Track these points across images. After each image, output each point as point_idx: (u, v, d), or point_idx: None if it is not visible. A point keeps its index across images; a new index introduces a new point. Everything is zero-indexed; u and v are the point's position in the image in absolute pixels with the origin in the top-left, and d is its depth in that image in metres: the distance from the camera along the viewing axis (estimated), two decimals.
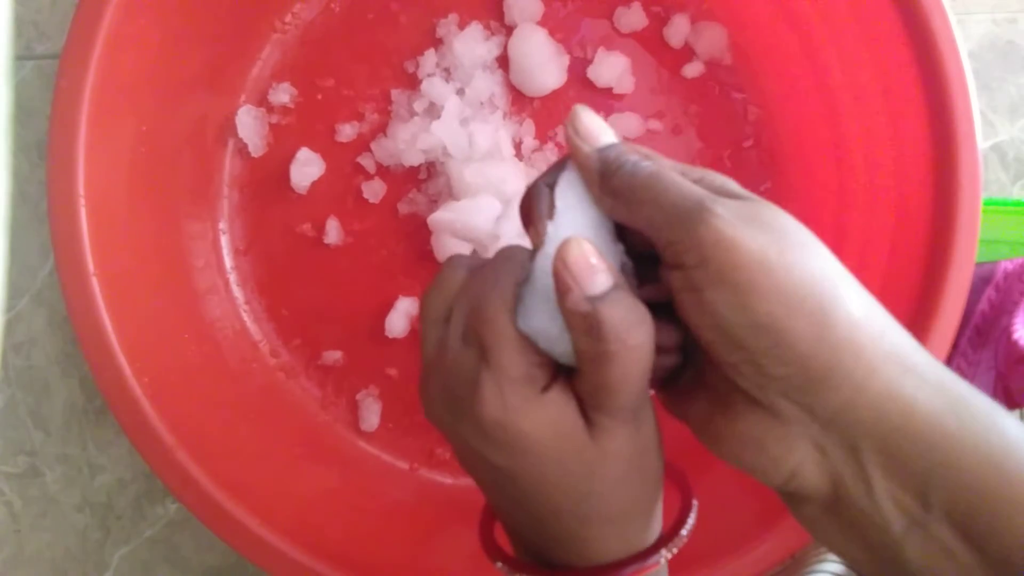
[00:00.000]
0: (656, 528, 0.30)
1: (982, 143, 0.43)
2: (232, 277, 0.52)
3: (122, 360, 0.41)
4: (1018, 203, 0.52)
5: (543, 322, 0.26)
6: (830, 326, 0.24)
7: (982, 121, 0.54)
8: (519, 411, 0.25)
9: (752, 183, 0.51)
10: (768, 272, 0.24)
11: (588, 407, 0.26)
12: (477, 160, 0.50)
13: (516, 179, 0.49)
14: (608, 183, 0.27)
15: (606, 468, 0.27)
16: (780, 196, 0.51)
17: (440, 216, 0.48)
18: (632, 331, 0.25)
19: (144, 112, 0.45)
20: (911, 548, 0.25)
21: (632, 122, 0.51)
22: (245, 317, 0.52)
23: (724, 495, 0.46)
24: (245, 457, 0.45)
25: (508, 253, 0.28)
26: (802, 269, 0.24)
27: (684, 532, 0.30)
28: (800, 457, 0.26)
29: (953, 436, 0.24)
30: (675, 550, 0.29)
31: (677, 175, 0.26)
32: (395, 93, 0.52)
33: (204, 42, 0.48)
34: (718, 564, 0.40)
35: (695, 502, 0.31)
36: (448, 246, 0.49)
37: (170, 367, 0.44)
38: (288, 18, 0.52)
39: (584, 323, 0.25)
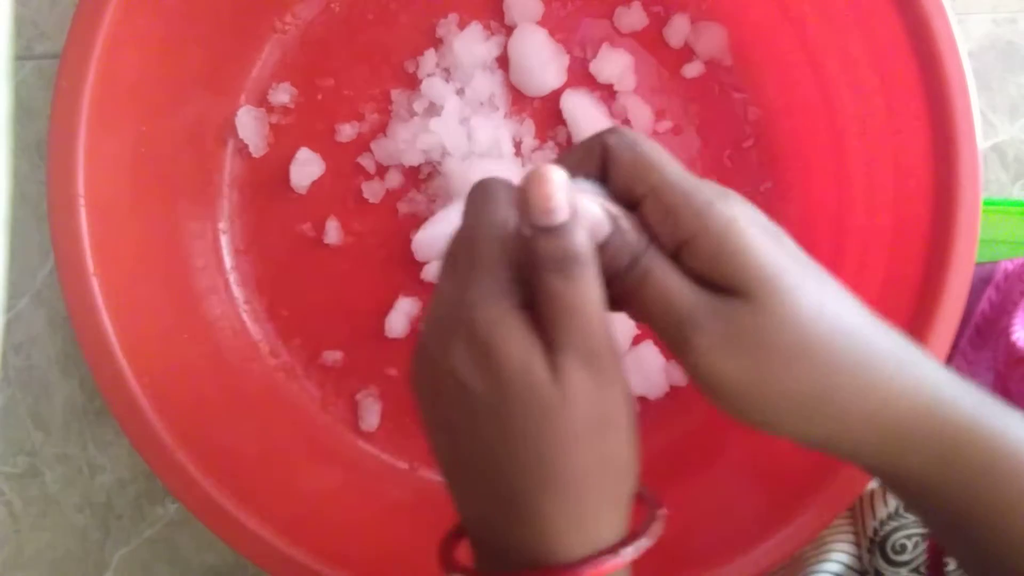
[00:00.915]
0: (619, 532, 0.28)
1: (982, 143, 0.43)
2: (232, 277, 0.52)
3: (122, 360, 0.41)
4: (1018, 203, 0.52)
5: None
6: (816, 425, 0.27)
7: (982, 121, 0.54)
8: (498, 321, 0.26)
9: (752, 183, 0.51)
10: (750, 397, 0.26)
11: (548, 349, 0.26)
12: (477, 158, 0.50)
13: (515, 178, 0.49)
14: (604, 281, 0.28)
15: (564, 416, 0.26)
16: (780, 196, 0.51)
17: (421, 238, 0.48)
18: (571, 267, 0.25)
19: (144, 112, 0.45)
20: None
21: (633, 121, 0.51)
22: (245, 317, 0.52)
23: (724, 495, 0.46)
24: (245, 457, 0.45)
25: (493, 185, 0.28)
26: (779, 386, 0.26)
27: (648, 537, 0.28)
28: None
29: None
30: (636, 552, 0.28)
31: (666, 277, 0.27)
32: (395, 93, 0.52)
33: (204, 42, 0.48)
34: (718, 564, 0.40)
35: (662, 511, 0.29)
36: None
37: (170, 367, 0.44)
38: (288, 18, 0.52)
39: (531, 249, 0.26)
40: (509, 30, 0.51)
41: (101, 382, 0.41)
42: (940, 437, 0.27)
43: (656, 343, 0.50)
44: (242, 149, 0.52)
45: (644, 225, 0.27)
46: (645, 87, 0.52)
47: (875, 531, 0.40)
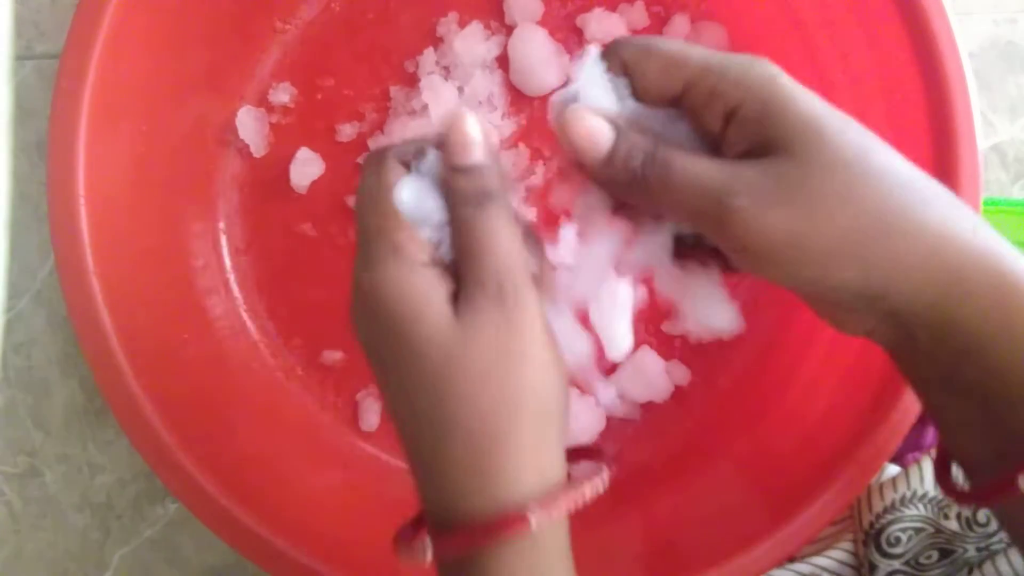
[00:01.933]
0: (547, 481, 0.27)
1: (982, 143, 0.43)
2: (232, 277, 0.52)
3: (122, 360, 0.41)
4: (1018, 203, 0.52)
5: (418, 202, 0.27)
6: (872, 267, 0.26)
7: (982, 121, 0.54)
8: (383, 275, 0.26)
9: None
10: (803, 247, 0.26)
11: (455, 294, 0.27)
12: None
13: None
14: (624, 191, 0.29)
15: (466, 355, 0.26)
16: None
17: None
18: (483, 201, 0.27)
19: (144, 112, 0.45)
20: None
21: None
22: (245, 317, 0.52)
23: (724, 495, 0.46)
24: (245, 457, 0.45)
25: (401, 144, 0.29)
26: (832, 229, 0.26)
27: (583, 490, 0.27)
28: (871, 327, 0.28)
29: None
30: (558, 510, 0.26)
31: (689, 163, 0.27)
32: (394, 91, 0.52)
33: (204, 42, 0.48)
34: (718, 564, 0.40)
35: (606, 466, 0.29)
36: None
37: (170, 367, 0.44)
38: (288, 18, 0.52)
39: (449, 189, 0.27)
40: (509, 29, 0.51)
41: (101, 382, 0.41)
42: (1000, 282, 0.26)
43: (655, 348, 0.50)
44: (242, 149, 0.52)
45: (690, 115, 0.28)
46: None
47: (871, 524, 0.41)
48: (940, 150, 0.40)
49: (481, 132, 0.28)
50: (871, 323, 0.28)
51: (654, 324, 0.51)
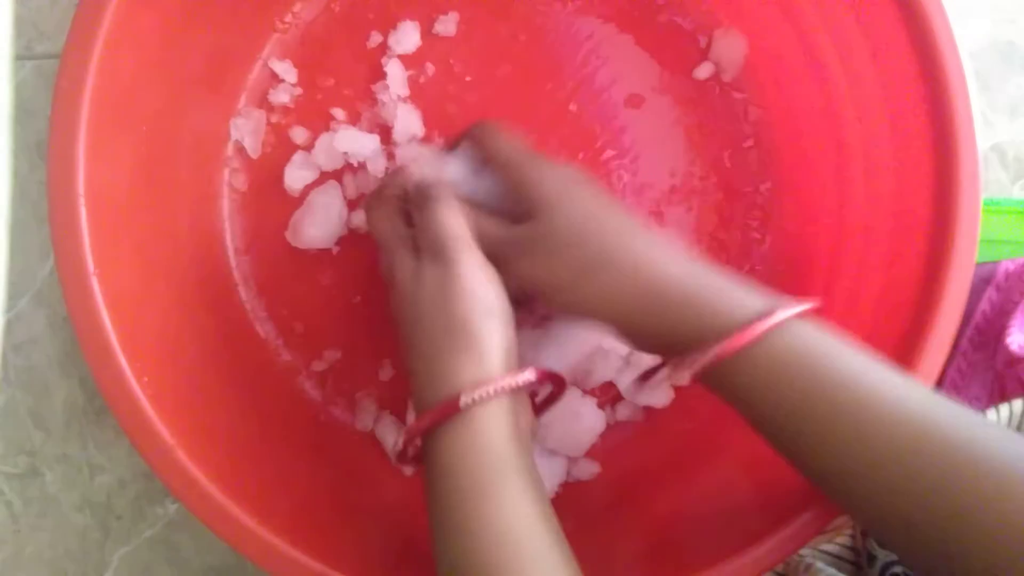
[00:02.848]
0: (476, 375, 0.35)
1: (982, 143, 0.43)
2: (232, 277, 0.52)
3: (122, 360, 0.41)
4: (1018, 203, 0.52)
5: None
6: (598, 292, 0.38)
7: (982, 121, 0.54)
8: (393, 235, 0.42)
9: (752, 183, 0.51)
10: (552, 282, 0.39)
11: (417, 257, 0.40)
12: None
13: None
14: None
15: (418, 296, 0.38)
16: (780, 196, 0.51)
17: None
18: (425, 203, 0.40)
19: (144, 112, 0.45)
20: None
21: (630, 124, 0.51)
22: (245, 317, 0.52)
23: (724, 495, 0.46)
24: (245, 457, 0.45)
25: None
26: (568, 266, 0.39)
27: (511, 377, 0.35)
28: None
29: None
30: (491, 388, 0.35)
31: (484, 224, 0.41)
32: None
33: (204, 42, 0.48)
34: (718, 564, 0.40)
35: (543, 379, 0.38)
36: None
37: (170, 367, 0.44)
38: (288, 18, 0.52)
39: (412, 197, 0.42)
40: (511, 28, 0.51)
41: (101, 382, 0.41)
42: (694, 297, 0.36)
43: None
44: (242, 149, 0.52)
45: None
46: (645, 86, 0.52)
47: None
48: (940, 150, 0.40)
49: (428, 165, 0.44)
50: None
51: None
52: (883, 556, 0.40)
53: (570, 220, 0.38)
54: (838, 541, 0.42)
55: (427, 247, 0.39)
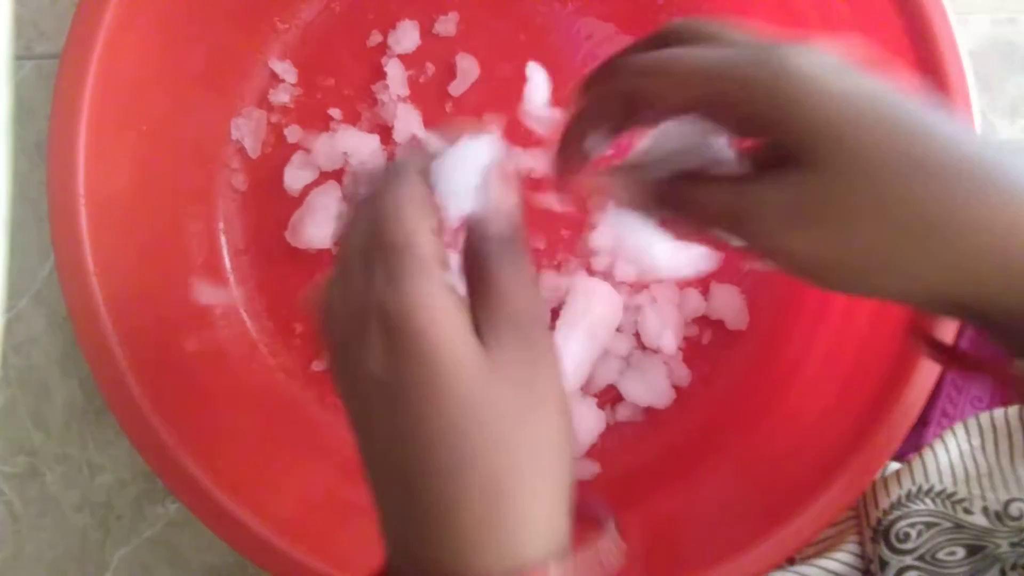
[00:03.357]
0: (553, 543, 0.24)
1: None
2: (232, 277, 0.52)
3: (122, 360, 0.41)
4: None
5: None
6: (928, 276, 0.23)
7: (982, 121, 0.54)
8: (416, 294, 0.24)
9: None
10: (837, 268, 0.24)
11: (478, 325, 0.25)
12: None
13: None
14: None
15: (494, 388, 0.23)
16: None
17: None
18: (510, 243, 0.26)
19: (144, 112, 0.45)
20: None
21: None
22: (245, 317, 0.52)
23: (724, 495, 0.46)
24: (245, 457, 0.45)
25: (398, 164, 0.27)
26: (868, 246, 0.24)
27: (591, 552, 0.24)
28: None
29: None
30: (571, 571, 0.23)
31: (702, 193, 0.27)
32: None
33: (204, 42, 0.48)
34: (718, 564, 0.40)
35: (612, 522, 0.26)
36: None
37: (170, 367, 0.44)
38: (288, 18, 0.52)
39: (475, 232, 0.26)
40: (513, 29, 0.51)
41: (101, 382, 0.41)
42: None
43: (655, 351, 0.50)
44: (242, 149, 0.52)
45: (714, 124, 0.26)
46: None
47: (879, 521, 0.40)
48: None
49: (514, 177, 0.27)
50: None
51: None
52: (896, 562, 0.40)
53: (876, 163, 0.23)
54: (839, 558, 0.41)
55: (505, 310, 0.25)
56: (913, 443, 0.44)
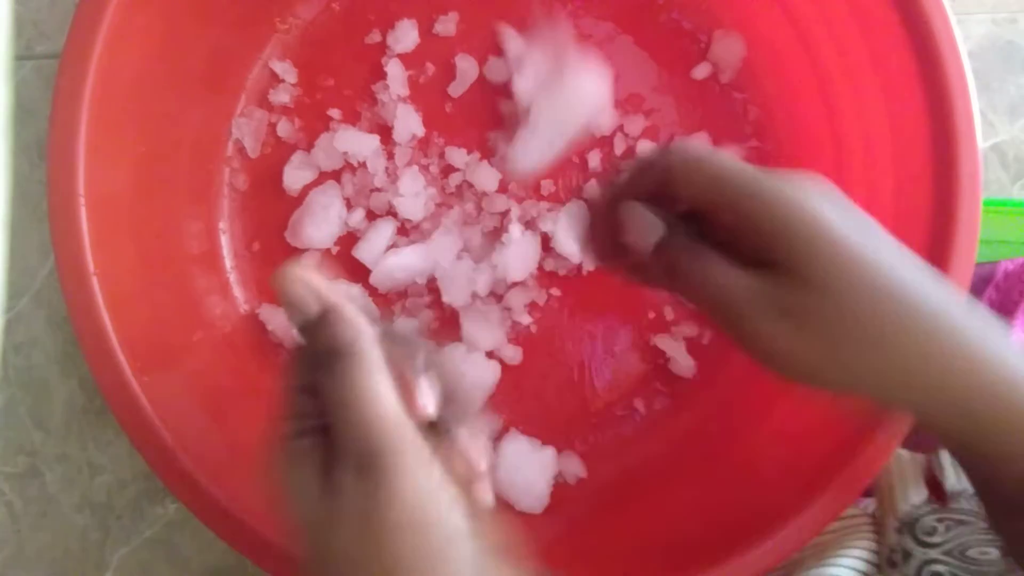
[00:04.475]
0: None
1: (982, 143, 0.43)
2: (232, 277, 0.52)
3: (122, 360, 0.41)
4: (1018, 203, 0.52)
5: None
6: (893, 390, 0.28)
7: (982, 121, 0.54)
8: (276, 458, 0.26)
9: None
10: (817, 372, 0.29)
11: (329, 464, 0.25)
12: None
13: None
14: (652, 277, 0.32)
15: (331, 535, 0.24)
16: None
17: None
18: (332, 362, 0.25)
19: (144, 112, 0.45)
20: None
21: (635, 121, 0.51)
22: (245, 317, 0.52)
23: (724, 495, 0.46)
24: (245, 457, 0.45)
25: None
26: (846, 359, 0.28)
27: None
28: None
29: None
30: None
31: (720, 271, 0.29)
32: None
33: (204, 42, 0.48)
34: (719, 564, 0.40)
35: None
36: None
37: (170, 367, 0.44)
38: (288, 18, 0.52)
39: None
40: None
41: (101, 382, 0.41)
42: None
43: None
44: (242, 149, 0.52)
45: (717, 227, 0.29)
46: (646, 86, 0.52)
47: (908, 513, 0.40)
48: (940, 150, 0.40)
49: (311, 280, 0.26)
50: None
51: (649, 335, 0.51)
52: (920, 554, 0.39)
53: (859, 290, 0.27)
54: (855, 554, 0.41)
55: (343, 444, 0.24)
56: (913, 443, 0.44)
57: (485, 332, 0.50)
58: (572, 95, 0.47)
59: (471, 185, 0.51)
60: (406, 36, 0.51)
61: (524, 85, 0.48)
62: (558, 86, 0.47)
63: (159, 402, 0.42)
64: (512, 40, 0.50)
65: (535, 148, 0.48)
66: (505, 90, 0.51)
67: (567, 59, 0.48)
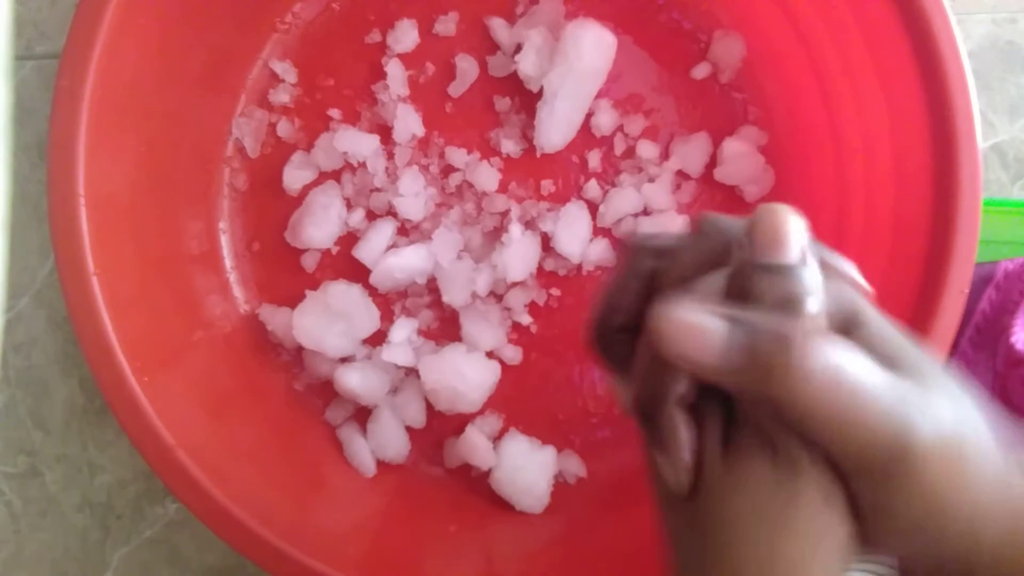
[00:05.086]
0: None
1: (982, 143, 0.43)
2: (232, 277, 0.52)
3: (122, 360, 0.41)
4: (1018, 203, 0.52)
5: None
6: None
7: (982, 121, 0.54)
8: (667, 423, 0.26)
9: None
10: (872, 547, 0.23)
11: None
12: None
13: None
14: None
15: (724, 508, 0.23)
16: (780, 196, 0.51)
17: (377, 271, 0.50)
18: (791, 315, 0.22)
19: (144, 112, 0.45)
20: None
21: (635, 121, 0.51)
22: (245, 317, 0.52)
23: None
24: (245, 457, 0.45)
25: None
26: (910, 546, 0.23)
27: None
28: None
29: None
30: None
31: (862, 368, 0.21)
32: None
33: (204, 42, 0.48)
34: None
35: None
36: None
37: (170, 367, 0.44)
38: (288, 18, 0.52)
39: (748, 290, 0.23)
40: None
41: (101, 382, 0.41)
42: None
43: None
44: (242, 149, 0.52)
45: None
46: (646, 86, 0.52)
47: None
48: (940, 150, 0.40)
49: (800, 228, 0.22)
50: None
51: None
52: None
53: (931, 503, 0.21)
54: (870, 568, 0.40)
55: (755, 413, 0.22)
56: None
57: (485, 332, 0.50)
58: (578, 63, 0.48)
59: (471, 185, 0.51)
60: (406, 36, 0.51)
61: (528, 68, 0.49)
62: (562, 58, 0.48)
63: (159, 402, 0.42)
64: (502, 30, 0.50)
65: (558, 123, 0.49)
66: (506, 86, 0.51)
67: (563, 30, 0.48)
